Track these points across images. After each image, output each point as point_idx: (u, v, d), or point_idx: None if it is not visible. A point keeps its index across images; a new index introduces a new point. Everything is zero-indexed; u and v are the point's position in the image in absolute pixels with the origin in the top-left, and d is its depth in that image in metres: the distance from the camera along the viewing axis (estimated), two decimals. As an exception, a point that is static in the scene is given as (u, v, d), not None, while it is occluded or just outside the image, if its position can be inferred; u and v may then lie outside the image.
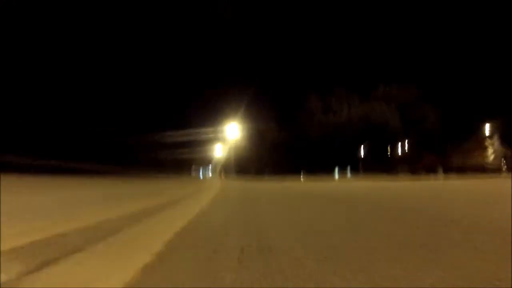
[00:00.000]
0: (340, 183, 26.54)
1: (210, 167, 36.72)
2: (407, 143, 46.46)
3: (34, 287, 1.32)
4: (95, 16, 27.71)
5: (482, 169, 41.64)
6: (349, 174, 40.63)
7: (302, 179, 34.96)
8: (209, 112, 34.26)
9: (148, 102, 31.15)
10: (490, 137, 43.54)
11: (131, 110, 29.79)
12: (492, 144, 43.17)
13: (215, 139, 35.06)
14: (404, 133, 44.78)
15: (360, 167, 42.47)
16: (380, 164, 45.74)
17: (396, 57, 47.03)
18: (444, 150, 42.45)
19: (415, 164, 44.39)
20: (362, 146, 44.82)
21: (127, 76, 29.99)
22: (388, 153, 45.46)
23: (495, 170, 40.11)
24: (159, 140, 30.62)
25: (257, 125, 36.72)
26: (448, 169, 41.64)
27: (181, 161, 34.02)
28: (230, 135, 35.31)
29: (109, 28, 27.88)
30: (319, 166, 40.56)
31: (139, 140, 29.70)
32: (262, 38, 49.36)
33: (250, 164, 37.40)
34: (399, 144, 44.92)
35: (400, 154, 46.61)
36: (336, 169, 38.76)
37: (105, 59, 27.44)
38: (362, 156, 45.62)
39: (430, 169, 41.13)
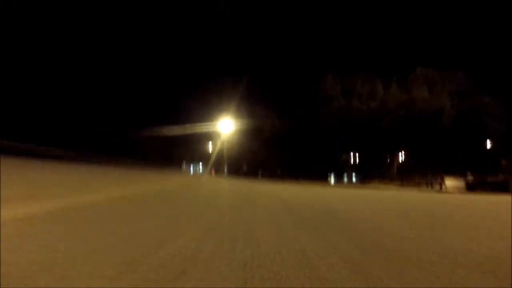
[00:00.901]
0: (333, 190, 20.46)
1: (201, 163, 36.45)
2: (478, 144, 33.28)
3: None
4: (95, 15, 29.97)
5: None
6: (345, 180, 33.11)
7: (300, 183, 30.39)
8: (202, 107, 33.45)
9: (142, 98, 32.77)
10: None
11: (128, 107, 32.16)
12: None
13: (207, 135, 34.29)
14: (460, 130, 32.15)
15: (382, 171, 33.56)
16: (424, 168, 34.93)
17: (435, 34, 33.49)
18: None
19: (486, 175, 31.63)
20: (397, 142, 34.79)
21: (124, 74, 32.22)
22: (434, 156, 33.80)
23: None
24: (151, 135, 32.15)
25: (253, 118, 33.56)
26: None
27: (172, 156, 34.95)
28: (223, 130, 33.75)
29: (104, 25, 29.62)
30: (329, 167, 34.18)
31: (132, 135, 32.05)
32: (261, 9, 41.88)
33: (243, 162, 35.03)
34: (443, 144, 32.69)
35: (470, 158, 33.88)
36: (332, 174, 32.04)
37: (100, 57, 30.00)
38: (398, 158, 35.74)
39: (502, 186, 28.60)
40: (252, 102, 33.34)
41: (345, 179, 36.10)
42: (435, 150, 33.65)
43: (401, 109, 36.50)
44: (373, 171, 35.25)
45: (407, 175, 35.47)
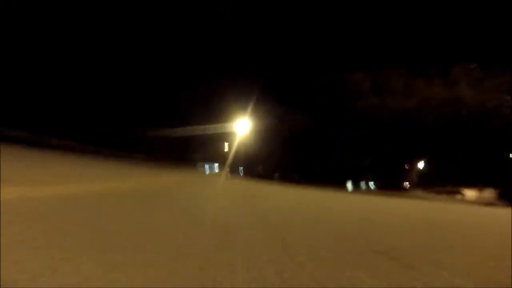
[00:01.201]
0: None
1: (216, 163, 35.84)
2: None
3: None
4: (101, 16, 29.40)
5: None
6: (363, 186, 30.02)
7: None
8: (218, 107, 32.39)
9: (158, 98, 32.49)
10: None
11: (145, 107, 32.25)
12: None
13: (223, 135, 33.33)
14: None
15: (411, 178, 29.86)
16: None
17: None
18: None
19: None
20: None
21: (141, 75, 32.04)
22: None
23: None
24: (166, 134, 32.09)
25: (271, 119, 31.75)
26: None
27: (187, 155, 34.71)
28: (239, 131, 32.53)
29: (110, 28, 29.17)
30: (348, 172, 31.36)
31: (148, 134, 32.28)
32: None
33: (259, 163, 33.70)
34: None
35: None
36: (350, 179, 29.34)
37: (116, 60, 30.16)
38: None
39: None
40: (270, 101, 31.42)
41: (363, 186, 33.10)
42: (475, 156, 29.04)
43: (445, 107, 31.52)
44: (394, 178, 31.83)
45: (428, 183, 31.36)
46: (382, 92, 34.18)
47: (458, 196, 27.01)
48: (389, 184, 29.20)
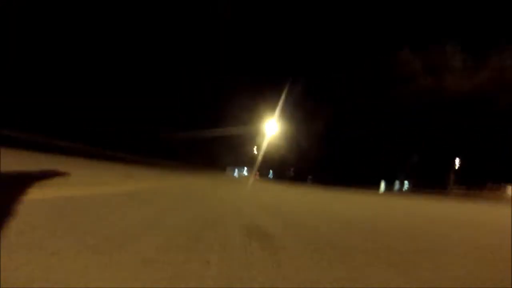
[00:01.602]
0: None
1: (246, 167, 35.04)
2: None
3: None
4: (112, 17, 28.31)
5: None
6: (397, 187, 29.14)
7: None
8: (247, 108, 31.93)
9: (187, 99, 31.76)
10: None
11: (173, 108, 31.36)
12: None
13: (252, 137, 32.73)
14: None
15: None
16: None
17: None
18: None
19: None
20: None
21: (171, 76, 31.35)
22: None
23: None
24: (195, 136, 31.28)
25: (302, 118, 31.23)
26: None
27: (217, 158, 34.01)
28: (269, 132, 31.95)
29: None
30: (385, 172, 30.65)
31: (178, 137, 31.34)
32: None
33: (290, 165, 33.02)
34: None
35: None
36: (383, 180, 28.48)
37: (142, 63, 29.43)
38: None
39: None
40: (300, 96, 30.93)
41: (397, 186, 32.16)
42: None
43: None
44: (433, 176, 30.90)
45: (466, 181, 29.97)
46: (437, 72, 29.10)
47: (502, 194, 26.21)
48: (428, 183, 28.36)
